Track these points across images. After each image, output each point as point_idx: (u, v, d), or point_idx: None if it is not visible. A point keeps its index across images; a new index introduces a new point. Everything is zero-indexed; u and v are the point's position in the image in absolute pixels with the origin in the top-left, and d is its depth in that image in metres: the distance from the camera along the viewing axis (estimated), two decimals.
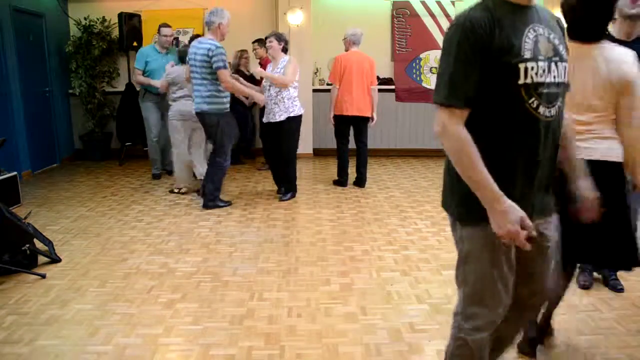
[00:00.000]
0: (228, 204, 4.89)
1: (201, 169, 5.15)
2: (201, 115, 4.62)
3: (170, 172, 6.01)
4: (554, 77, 1.50)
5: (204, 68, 4.47)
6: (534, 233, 1.45)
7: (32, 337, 2.55)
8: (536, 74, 1.45)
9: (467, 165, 1.45)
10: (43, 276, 3.25)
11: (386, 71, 7.47)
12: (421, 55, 7.44)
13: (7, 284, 3.15)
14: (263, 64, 6.00)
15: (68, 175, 6.34)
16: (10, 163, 5.49)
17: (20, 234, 3.37)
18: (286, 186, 5.20)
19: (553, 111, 1.52)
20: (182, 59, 5.20)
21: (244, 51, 6.56)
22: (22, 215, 3.66)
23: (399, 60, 7.47)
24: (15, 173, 4.87)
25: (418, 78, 7.44)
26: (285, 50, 4.96)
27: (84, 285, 3.16)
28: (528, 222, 1.43)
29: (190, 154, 5.26)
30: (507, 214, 1.42)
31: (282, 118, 4.87)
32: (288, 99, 4.85)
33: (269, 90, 4.91)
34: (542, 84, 1.47)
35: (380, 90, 7.13)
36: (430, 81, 7.43)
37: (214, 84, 4.51)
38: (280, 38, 4.91)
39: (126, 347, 2.45)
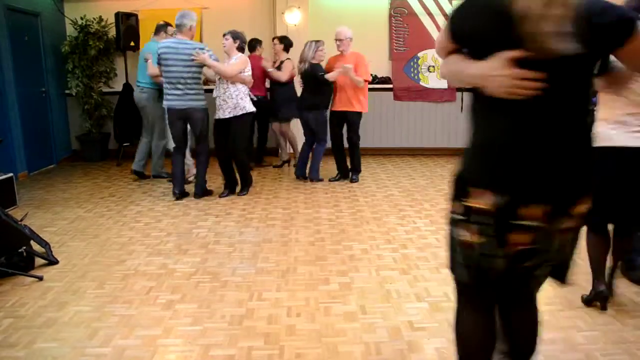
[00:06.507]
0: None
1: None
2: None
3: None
4: None
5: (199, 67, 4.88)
6: None
7: (30, 340, 2.53)
8: None
9: None
10: (40, 278, 3.23)
11: (384, 70, 7.45)
12: (419, 54, 7.42)
13: (4, 287, 3.13)
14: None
15: (65, 177, 6.31)
16: (6, 164, 5.47)
17: (16, 236, 3.35)
18: (242, 184, 5.27)
19: None
20: None
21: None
22: (18, 217, 3.64)
23: (396, 59, 7.46)
24: (11, 174, 4.84)
25: (416, 77, 7.43)
26: (241, 49, 5.03)
27: (82, 287, 3.14)
28: None
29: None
30: None
31: (229, 115, 4.94)
32: (236, 95, 4.92)
33: (219, 86, 5.00)
34: None
35: (378, 89, 7.22)
36: (428, 80, 7.41)
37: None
38: (236, 36, 4.97)
39: (125, 348, 2.43)
